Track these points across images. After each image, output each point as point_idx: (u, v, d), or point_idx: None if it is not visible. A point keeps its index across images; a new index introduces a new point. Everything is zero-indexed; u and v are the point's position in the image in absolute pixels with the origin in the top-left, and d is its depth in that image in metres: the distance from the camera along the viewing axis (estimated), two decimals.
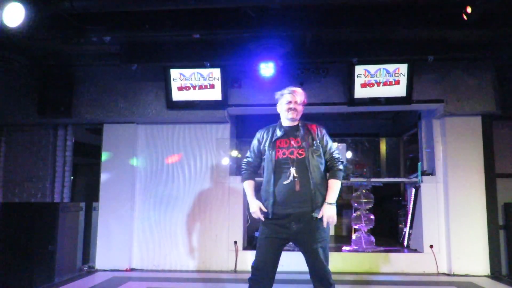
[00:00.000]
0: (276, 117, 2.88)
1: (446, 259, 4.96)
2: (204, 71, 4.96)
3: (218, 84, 4.98)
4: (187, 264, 5.17)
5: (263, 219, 2.63)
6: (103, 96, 5.26)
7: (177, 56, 4.82)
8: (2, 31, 3.24)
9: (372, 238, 5.28)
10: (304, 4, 3.99)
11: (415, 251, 5.25)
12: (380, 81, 4.88)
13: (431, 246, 4.98)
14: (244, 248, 5.16)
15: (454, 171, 5.00)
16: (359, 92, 4.90)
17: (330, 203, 2.60)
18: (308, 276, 2.66)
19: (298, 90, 2.77)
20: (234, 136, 5.72)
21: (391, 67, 4.84)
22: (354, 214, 5.39)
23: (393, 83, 4.88)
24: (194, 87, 5.04)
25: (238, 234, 5.14)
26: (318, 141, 2.68)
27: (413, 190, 5.50)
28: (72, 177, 5.72)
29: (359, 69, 4.84)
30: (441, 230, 5.04)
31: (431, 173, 5.28)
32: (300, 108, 2.74)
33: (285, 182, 2.57)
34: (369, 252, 5.09)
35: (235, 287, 4.26)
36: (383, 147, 7.88)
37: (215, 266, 5.10)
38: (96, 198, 5.33)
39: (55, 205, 4.90)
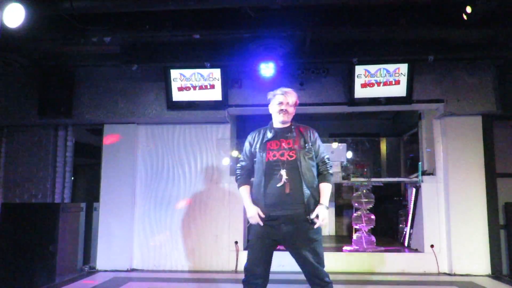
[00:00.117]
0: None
1: (447, 259, 4.95)
2: (204, 72, 4.96)
3: (218, 84, 4.98)
4: (187, 265, 5.17)
5: (261, 223, 2.59)
6: (103, 96, 5.27)
7: (177, 56, 4.82)
8: (2, 31, 3.24)
9: (373, 238, 5.27)
10: (304, 4, 3.99)
11: (416, 251, 5.25)
12: (380, 81, 4.88)
13: (432, 246, 4.98)
14: (245, 248, 5.15)
15: (454, 171, 5.00)
16: (359, 92, 4.90)
17: (324, 205, 2.60)
18: None
19: (291, 91, 2.75)
20: (235, 136, 5.73)
21: (391, 67, 4.84)
22: (355, 214, 5.39)
23: (393, 83, 4.88)
24: (195, 88, 5.04)
25: (238, 234, 5.14)
26: (310, 144, 2.66)
27: (414, 190, 5.50)
28: (72, 178, 5.73)
29: (359, 69, 4.84)
30: (441, 230, 5.04)
31: (432, 173, 5.28)
32: (291, 110, 2.72)
33: (278, 185, 2.55)
34: (369, 252, 5.08)
35: None
36: (383, 147, 7.88)
37: (216, 266, 5.11)
38: (96, 198, 5.33)
39: (56, 205, 4.90)
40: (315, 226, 2.55)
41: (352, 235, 5.47)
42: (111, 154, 5.33)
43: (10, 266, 4.43)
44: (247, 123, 6.16)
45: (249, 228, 2.80)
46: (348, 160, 7.18)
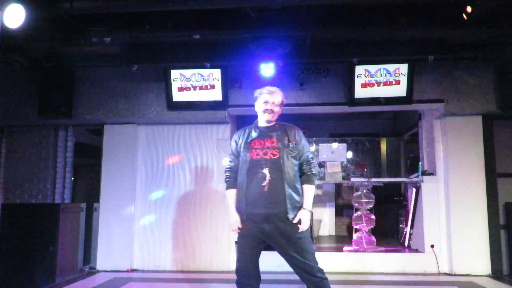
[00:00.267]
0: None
1: (447, 259, 4.95)
2: (205, 72, 4.97)
3: (218, 84, 4.98)
4: (188, 265, 5.17)
5: (237, 232, 2.64)
6: (103, 97, 5.26)
7: (177, 56, 4.82)
8: (3, 32, 3.24)
9: (373, 238, 5.27)
10: (304, 5, 3.99)
11: (416, 251, 5.25)
12: (381, 81, 4.88)
13: (432, 246, 4.98)
14: None
15: (454, 171, 5.00)
16: (360, 92, 4.90)
17: (307, 209, 2.60)
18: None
19: (277, 90, 2.75)
20: None
21: (391, 67, 4.84)
22: (355, 214, 5.38)
23: (394, 83, 4.88)
24: (195, 88, 5.04)
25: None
26: (294, 143, 2.66)
27: (414, 190, 5.50)
28: (73, 178, 5.73)
29: (359, 69, 4.84)
30: (442, 230, 5.03)
31: (432, 173, 5.28)
32: (277, 109, 2.73)
33: (263, 184, 2.54)
34: (370, 252, 5.08)
35: None
36: (383, 147, 7.88)
37: (216, 266, 5.11)
38: (97, 198, 5.33)
39: (56, 206, 4.90)
40: (299, 231, 2.55)
41: (352, 235, 5.47)
42: (111, 155, 5.33)
43: (11, 267, 4.43)
44: (247, 123, 6.13)
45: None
46: (348, 160, 7.20)
